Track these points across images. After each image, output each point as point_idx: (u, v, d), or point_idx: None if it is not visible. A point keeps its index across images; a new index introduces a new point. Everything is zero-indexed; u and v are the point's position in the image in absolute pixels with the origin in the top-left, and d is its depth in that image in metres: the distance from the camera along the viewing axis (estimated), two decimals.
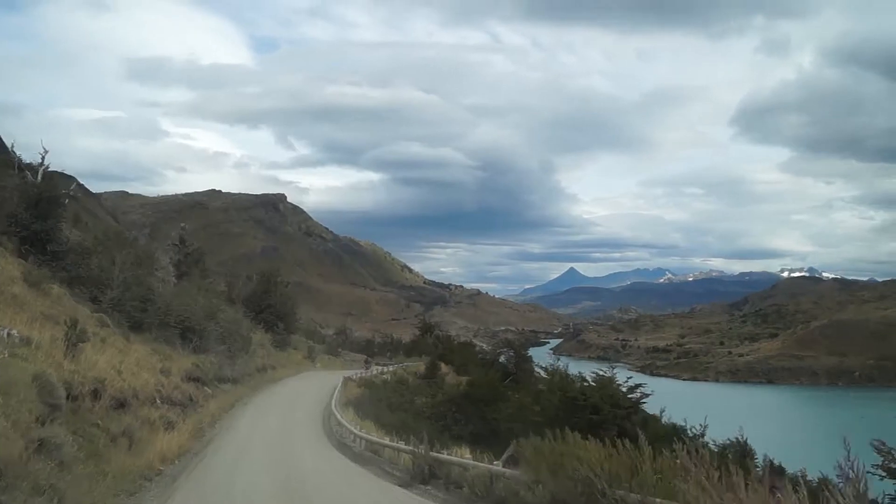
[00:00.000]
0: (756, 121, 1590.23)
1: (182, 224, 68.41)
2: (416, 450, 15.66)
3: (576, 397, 23.90)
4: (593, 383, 25.27)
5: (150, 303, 34.03)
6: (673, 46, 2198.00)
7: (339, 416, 25.66)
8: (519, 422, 25.79)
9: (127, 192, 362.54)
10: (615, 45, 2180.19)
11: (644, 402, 26.14)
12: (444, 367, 56.21)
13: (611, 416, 22.78)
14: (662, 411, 26.43)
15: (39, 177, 35.74)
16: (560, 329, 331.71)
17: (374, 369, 54.82)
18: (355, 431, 22.12)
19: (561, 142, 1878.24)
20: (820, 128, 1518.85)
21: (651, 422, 25.18)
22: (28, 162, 37.92)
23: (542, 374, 35.79)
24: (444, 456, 15.28)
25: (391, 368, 57.79)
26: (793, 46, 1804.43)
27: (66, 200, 36.53)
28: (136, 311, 32.81)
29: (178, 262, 57.87)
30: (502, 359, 57.87)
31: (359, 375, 46.79)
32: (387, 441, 19.50)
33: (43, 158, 37.20)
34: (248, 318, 54.46)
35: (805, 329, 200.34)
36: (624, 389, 25.36)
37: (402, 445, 17.63)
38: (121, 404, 16.64)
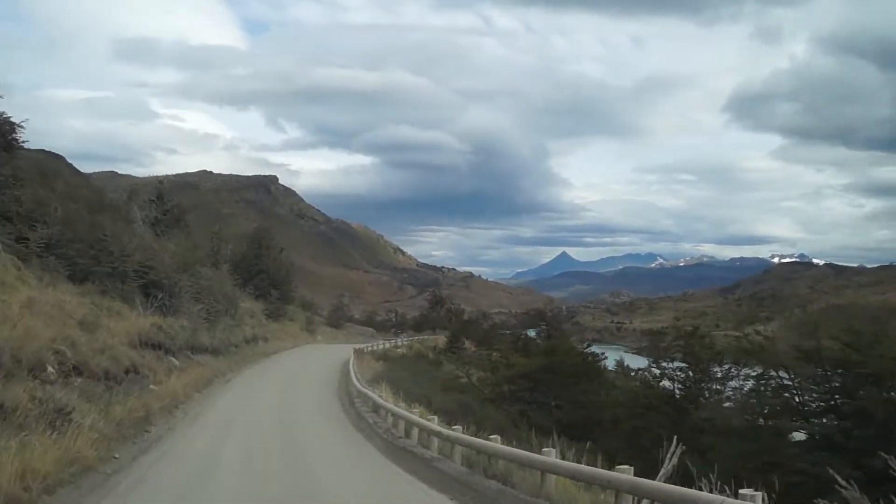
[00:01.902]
0: (749, 108, 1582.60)
1: (159, 179, 58.53)
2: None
3: None
4: None
5: (105, 251, 24.64)
6: (666, 33, 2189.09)
7: (376, 398, 16.43)
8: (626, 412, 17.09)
9: (116, 173, 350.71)
10: (608, 30, 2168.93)
11: None
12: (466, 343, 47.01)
13: None
14: None
15: None
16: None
17: (384, 344, 45.47)
18: (435, 428, 12.58)
19: (553, 127, 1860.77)
20: (812, 116, 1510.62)
21: None
22: None
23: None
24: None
25: (405, 342, 48.40)
26: (786, 34, 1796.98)
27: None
28: (84, 258, 23.62)
29: (154, 219, 48.09)
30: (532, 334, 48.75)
31: (370, 349, 37.41)
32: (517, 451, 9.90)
33: None
34: (237, 284, 44.89)
35: (803, 312, 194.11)
36: None
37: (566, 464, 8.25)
38: None
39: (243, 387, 22.63)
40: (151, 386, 16.01)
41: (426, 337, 53.99)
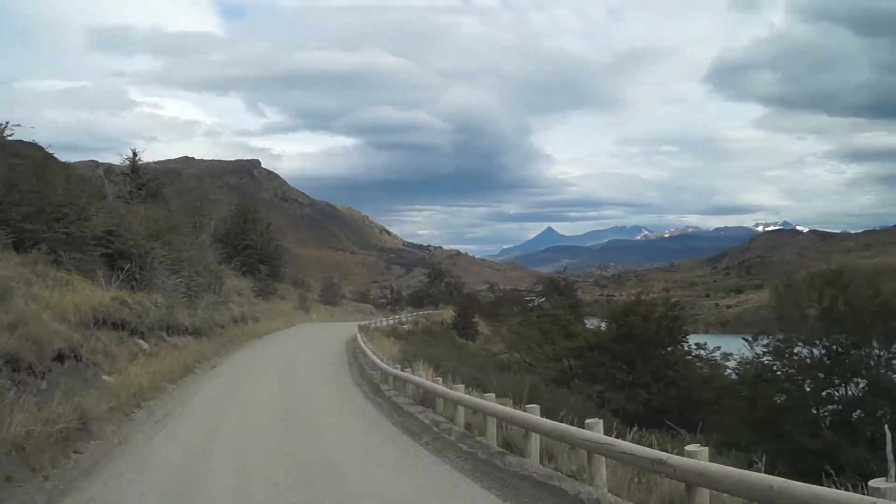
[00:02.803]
0: (729, 78, 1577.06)
1: (132, 147, 53.13)
2: None
3: None
4: None
5: (59, 215, 19.95)
6: (644, 4, 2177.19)
7: (424, 382, 11.84)
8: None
9: (97, 162, 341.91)
10: (585, 3, 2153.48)
11: None
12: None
13: None
14: None
15: None
16: (542, 287, 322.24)
17: (385, 321, 40.90)
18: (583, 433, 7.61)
19: (534, 103, 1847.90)
20: (792, 84, 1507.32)
21: None
22: None
23: None
24: None
25: (409, 318, 43.86)
26: (763, 3, 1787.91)
27: None
28: (34, 223, 19.00)
29: (129, 193, 42.97)
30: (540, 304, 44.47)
31: (375, 325, 32.89)
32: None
33: None
34: (222, 259, 40.07)
35: (792, 280, 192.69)
36: None
37: None
38: None
39: (233, 375, 18.05)
40: (105, 377, 11.40)
41: (429, 312, 49.48)
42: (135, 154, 52.00)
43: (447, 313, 45.53)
